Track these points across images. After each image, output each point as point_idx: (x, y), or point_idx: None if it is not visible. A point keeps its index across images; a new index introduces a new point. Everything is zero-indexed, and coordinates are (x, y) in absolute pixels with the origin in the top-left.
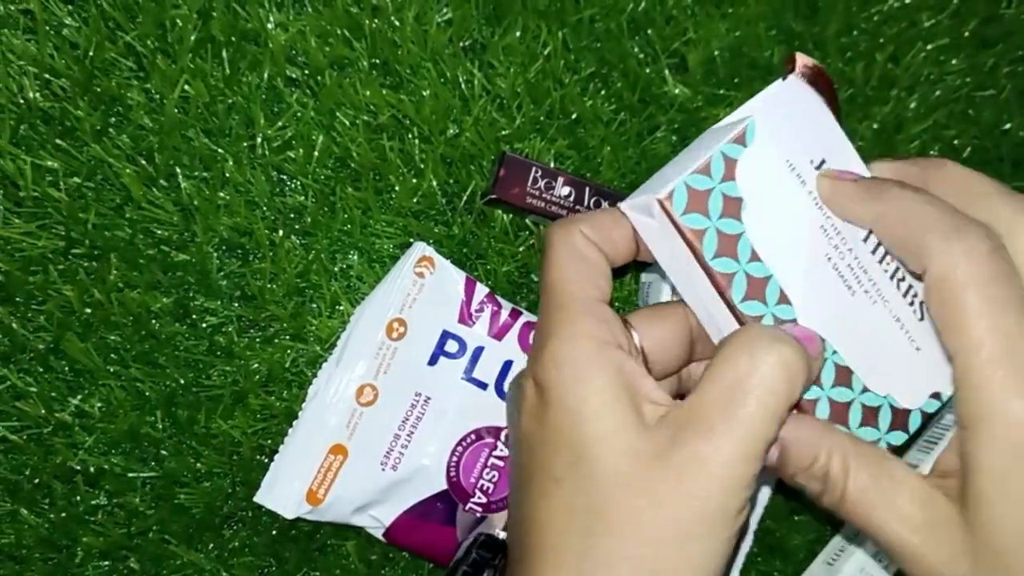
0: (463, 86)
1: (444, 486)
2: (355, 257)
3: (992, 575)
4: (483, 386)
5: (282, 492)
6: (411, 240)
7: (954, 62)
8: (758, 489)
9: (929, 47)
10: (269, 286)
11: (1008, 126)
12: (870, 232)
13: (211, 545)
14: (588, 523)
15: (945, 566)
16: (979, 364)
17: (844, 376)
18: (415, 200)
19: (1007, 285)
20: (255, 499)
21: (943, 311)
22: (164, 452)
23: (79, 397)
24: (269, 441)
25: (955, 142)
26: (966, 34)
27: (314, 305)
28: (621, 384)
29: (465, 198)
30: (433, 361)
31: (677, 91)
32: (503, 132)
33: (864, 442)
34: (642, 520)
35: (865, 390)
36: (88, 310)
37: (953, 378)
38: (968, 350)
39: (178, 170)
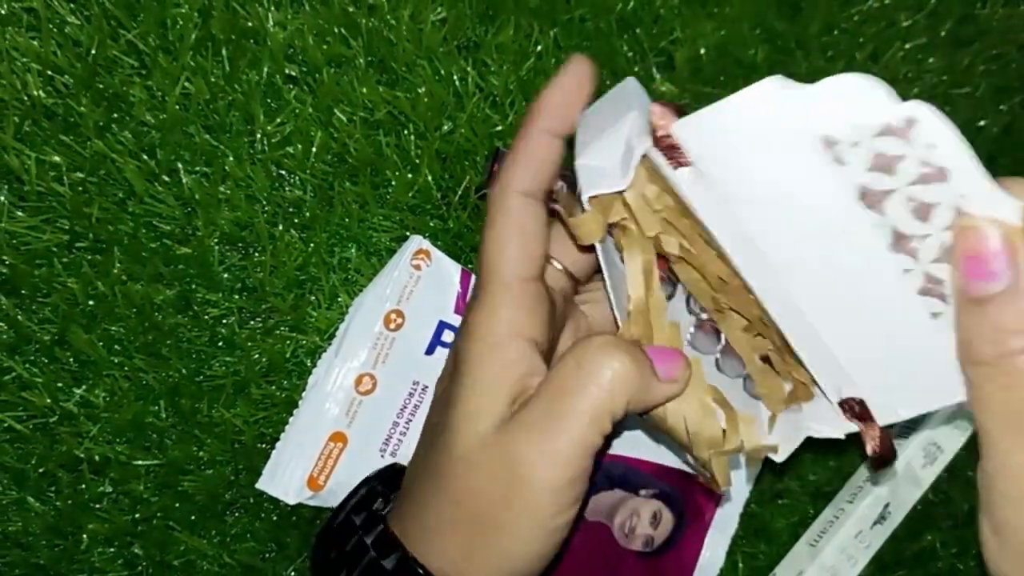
0: (457, 83)
1: None
2: (353, 250)
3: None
4: None
5: (283, 479)
6: (407, 233)
7: (931, 61)
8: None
9: (907, 46)
10: (269, 278)
11: (983, 123)
12: None
13: (214, 531)
14: (435, 483)
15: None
16: None
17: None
18: (411, 195)
19: None
20: (257, 486)
21: None
22: (168, 441)
23: (84, 387)
24: (270, 429)
25: None
26: (942, 33)
27: (313, 297)
28: (508, 385)
29: (460, 193)
30: (430, 351)
31: (664, 88)
32: (496, 128)
33: None
34: (470, 497)
35: None
36: (92, 302)
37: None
38: None
39: (180, 165)
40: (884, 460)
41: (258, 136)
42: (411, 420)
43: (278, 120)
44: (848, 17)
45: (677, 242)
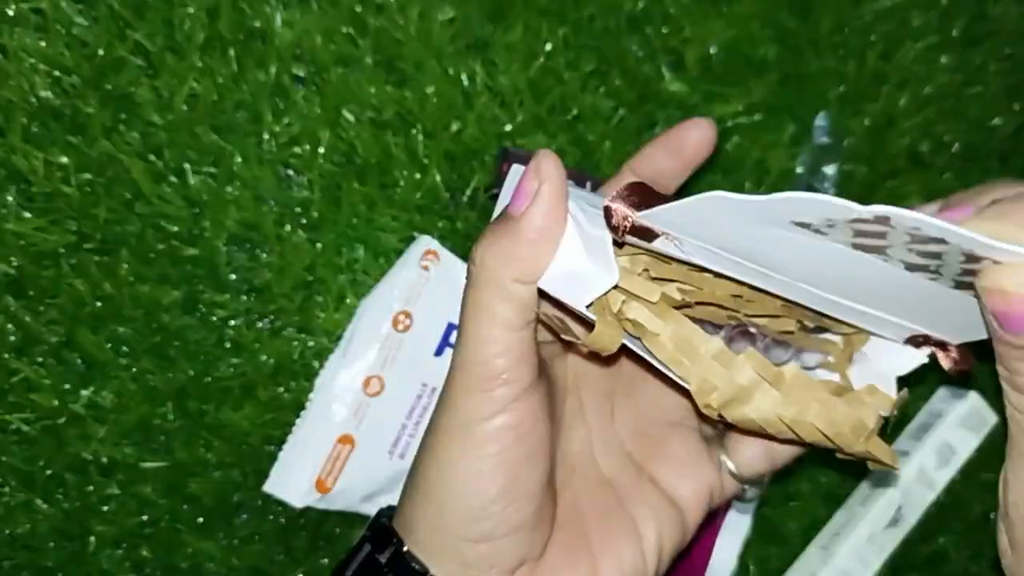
0: (465, 83)
1: None
2: (361, 251)
3: None
4: None
5: (291, 481)
6: (415, 234)
7: (943, 60)
8: None
9: (919, 45)
10: (277, 279)
11: (996, 122)
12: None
13: (221, 533)
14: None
15: None
16: None
17: None
18: (419, 195)
19: None
20: (264, 488)
21: None
22: (175, 443)
23: (91, 389)
24: (278, 432)
25: (944, 138)
26: (954, 32)
27: (321, 298)
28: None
29: (468, 193)
30: (439, 352)
31: (674, 88)
32: (505, 128)
33: None
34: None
35: None
36: (99, 303)
37: None
38: None
39: (187, 166)
40: (965, 372)
41: (265, 136)
42: (419, 422)
43: (285, 120)
44: (859, 16)
45: (676, 287)
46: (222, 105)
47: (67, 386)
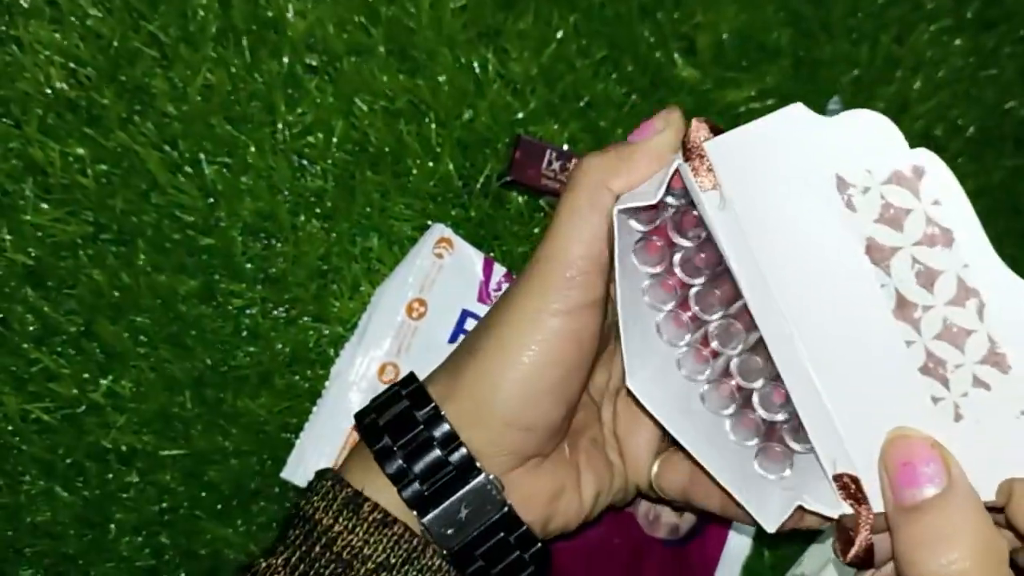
0: (478, 71)
1: None
2: (375, 239)
3: None
4: None
5: (308, 468)
6: (429, 222)
7: (957, 43)
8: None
9: (932, 28)
10: (292, 268)
11: (1010, 105)
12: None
13: (239, 520)
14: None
15: None
16: None
17: None
18: (432, 183)
19: None
20: (282, 475)
21: None
22: (193, 431)
23: (110, 378)
24: (294, 419)
25: (959, 121)
26: (968, 15)
27: (336, 287)
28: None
29: (481, 181)
30: (453, 339)
31: (686, 74)
32: (517, 115)
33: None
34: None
35: None
36: (117, 293)
37: None
38: None
39: (202, 156)
40: (863, 561)
41: (279, 126)
42: None
43: (299, 110)
44: (873, 0)
45: None
46: (236, 95)
47: (86, 375)
